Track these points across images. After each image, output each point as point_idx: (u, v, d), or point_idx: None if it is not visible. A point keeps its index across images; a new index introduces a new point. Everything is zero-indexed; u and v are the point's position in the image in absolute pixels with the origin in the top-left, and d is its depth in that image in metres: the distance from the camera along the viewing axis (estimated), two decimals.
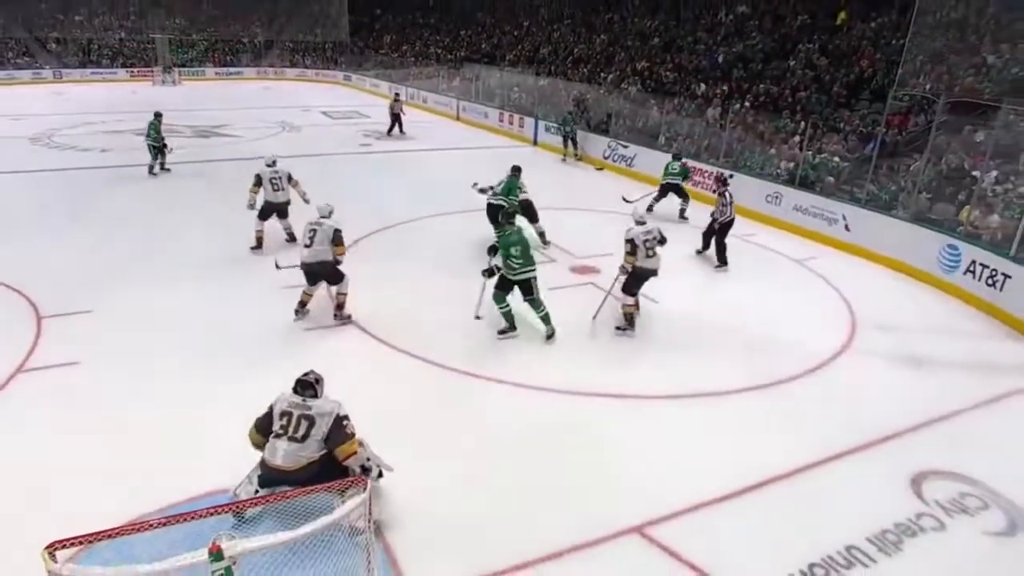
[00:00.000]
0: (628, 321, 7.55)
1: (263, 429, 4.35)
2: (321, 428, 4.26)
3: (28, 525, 4.12)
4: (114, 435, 5.39)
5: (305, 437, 4.24)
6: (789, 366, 6.83)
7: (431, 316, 7.78)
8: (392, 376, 6.50)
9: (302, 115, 24.99)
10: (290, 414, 4.29)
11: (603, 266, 9.41)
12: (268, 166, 9.62)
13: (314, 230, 7.22)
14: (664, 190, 12.33)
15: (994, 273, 8.38)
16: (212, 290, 8.39)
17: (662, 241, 7.57)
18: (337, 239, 7.22)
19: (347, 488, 3.25)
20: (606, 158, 16.57)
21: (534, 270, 7.23)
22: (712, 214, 9.85)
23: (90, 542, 3.09)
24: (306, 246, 7.24)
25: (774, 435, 5.70)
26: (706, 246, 10.13)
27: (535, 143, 19.68)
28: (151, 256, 9.39)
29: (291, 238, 9.86)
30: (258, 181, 9.48)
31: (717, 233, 9.73)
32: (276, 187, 9.52)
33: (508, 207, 9.22)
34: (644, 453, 5.40)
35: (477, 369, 6.54)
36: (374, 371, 6.59)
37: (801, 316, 8.19)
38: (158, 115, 14.30)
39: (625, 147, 16.08)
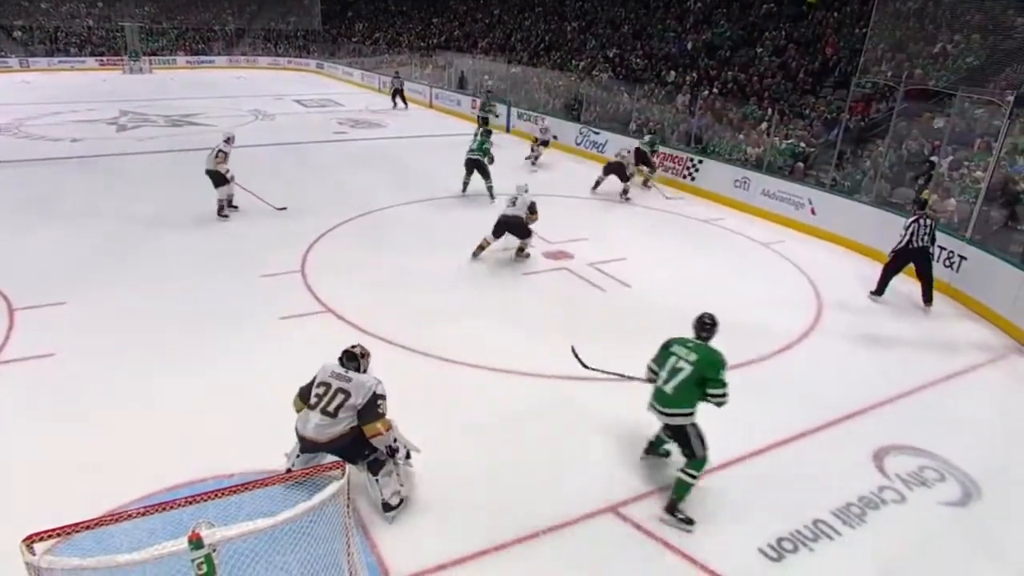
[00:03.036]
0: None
1: (305, 396, 4.49)
2: (356, 401, 4.37)
3: (4, 517, 4.16)
4: (90, 426, 5.41)
5: (337, 412, 4.36)
6: (756, 347, 7.02)
7: (407, 303, 7.86)
8: (372, 362, 6.58)
9: (275, 103, 24.77)
10: (328, 385, 4.41)
11: (576, 251, 9.55)
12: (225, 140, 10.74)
13: (515, 197, 9.15)
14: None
15: (951, 255, 8.66)
16: (185, 280, 8.38)
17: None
18: (533, 209, 9.11)
19: (328, 471, 3.34)
20: (578, 144, 16.68)
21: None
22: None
23: (68, 533, 3.14)
24: (509, 206, 9.12)
25: (741, 415, 5.83)
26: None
27: (508, 130, 19.72)
28: (124, 247, 9.33)
29: (220, 210, 10.71)
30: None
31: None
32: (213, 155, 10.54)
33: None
34: (617, 435, 5.55)
35: (451, 354, 6.64)
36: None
37: (768, 298, 8.42)
38: None
39: (596, 133, 16.22)
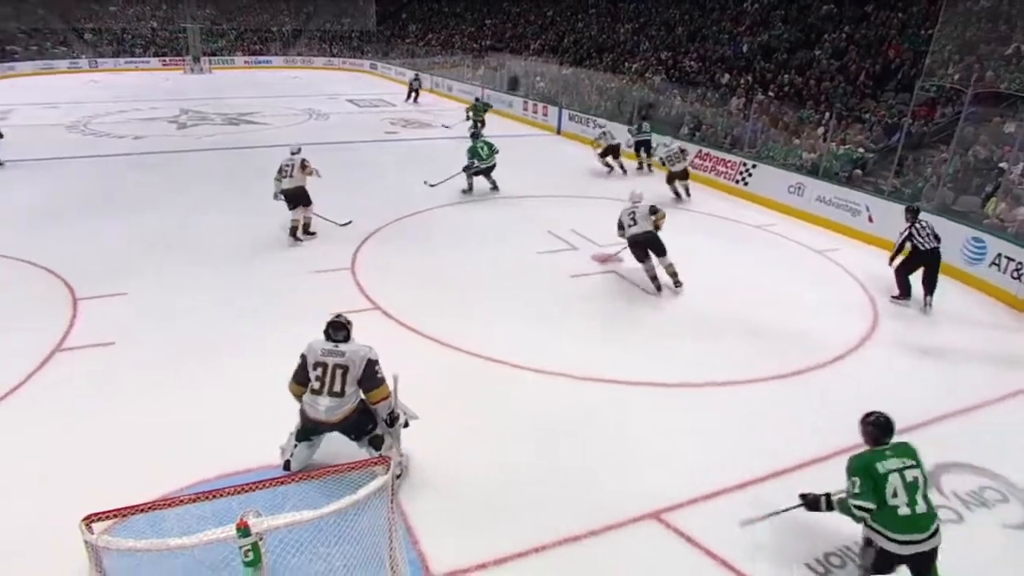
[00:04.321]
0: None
1: (301, 380, 4.55)
2: (355, 374, 4.44)
3: (66, 498, 4.32)
4: (146, 413, 5.59)
5: (344, 390, 4.43)
6: (809, 357, 6.85)
7: (456, 302, 7.91)
8: (416, 360, 6.61)
9: (329, 103, 25.22)
10: (324, 365, 4.45)
11: (626, 254, 9.45)
12: (292, 153, 9.79)
13: (633, 211, 8.39)
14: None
15: (1020, 266, 8.31)
16: (241, 274, 8.62)
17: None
18: (655, 212, 8.33)
19: (377, 467, 3.37)
20: (628, 147, 16.51)
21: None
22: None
23: (124, 515, 3.25)
24: (630, 225, 8.36)
25: (792, 425, 5.74)
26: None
27: (558, 132, 19.68)
28: (182, 240, 9.62)
29: (293, 232, 9.66)
30: (279, 170, 9.63)
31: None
32: (286, 174, 9.57)
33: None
34: (662, 440, 5.47)
35: (497, 354, 6.64)
36: (398, 354, 6.66)
37: (821, 307, 8.19)
38: None
39: (667, 145, 15.99)
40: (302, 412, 4.59)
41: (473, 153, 12.39)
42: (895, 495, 3.65)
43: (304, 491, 3.49)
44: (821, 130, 13.12)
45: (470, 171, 12.40)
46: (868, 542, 3.78)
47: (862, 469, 3.79)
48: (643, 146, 15.07)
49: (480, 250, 9.62)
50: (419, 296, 7.96)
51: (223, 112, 22.29)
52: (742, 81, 17.18)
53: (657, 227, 8.24)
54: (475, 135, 13.15)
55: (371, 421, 4.64)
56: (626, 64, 22.02)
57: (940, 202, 10.14)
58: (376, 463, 3.32)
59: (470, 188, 12.55)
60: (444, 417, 5.62)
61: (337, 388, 4.43)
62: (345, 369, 4.44)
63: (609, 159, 14.77)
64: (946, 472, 5.19)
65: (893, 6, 16.44)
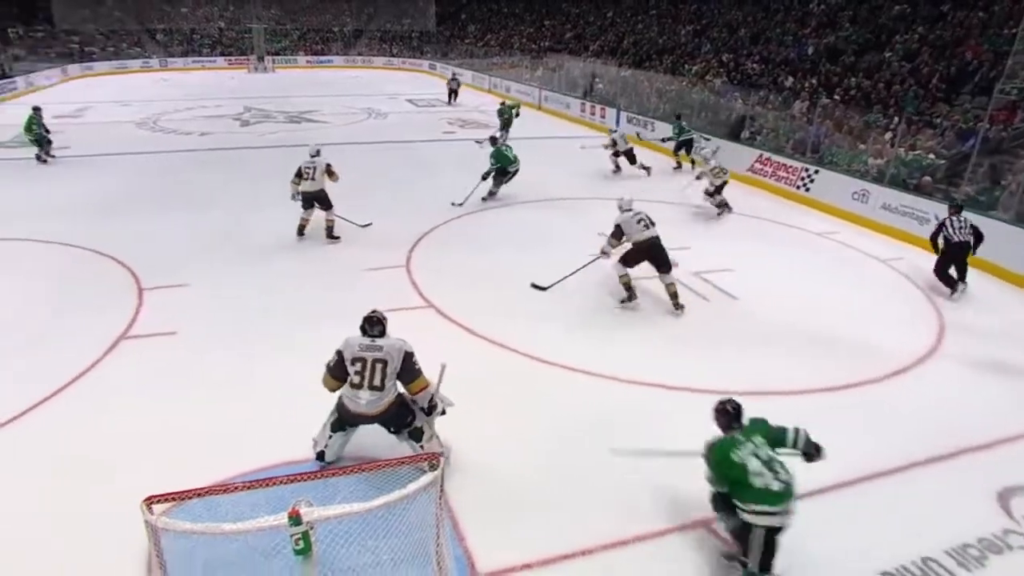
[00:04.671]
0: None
1: (338, 376, 4.63)
2: (394, 367, 4.53)
3: (127, 479, 4.48)
4: (204, 401, 5.77)
5: (384, 383, 4.52)
6: (870, 368, 6.63)
7: (507, 303, 7.93)
8: (467, 358, 6.63)
9: (388, 102, 25.60)
10: (363, 360, 4.53)
11: (680, 259, 9.29)
12: (312, 156, 9.69)
13: (642, 217, 7.86)
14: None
15: None
16: (298, 269, 8.81)
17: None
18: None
19: (426, 463, 3.39)
20: (662, 143, 16.26)
21: None
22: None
23: (182, 499, 3.35)
24: (642, 229, 7.80)
25: (851, 438, 5.53)
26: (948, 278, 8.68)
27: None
28: (240, 235, 9.88)
29: (329, 233, 9.74)
30: (298, 172, 9.49)
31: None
32: (307, 176, 9.43)
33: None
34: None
35: (549, 356, 6.62)
36: (449, 352, 6.70)
37: (884, 317, 7.91)
38: (36, 109, 14.94)
39: (707, 139, 15.77)
40: (341, 405, 4.69)
41: (499, 157, 11.75)
42: (759, 476, 3.94)
43: (354, 484, 3.54)
44: (889, 135, 12.67)
45: (490, 174, 11.81)
46: (734, 511, 4.08)
47: (717, 463, 4.16)
48: (685, 146, 15.09)
49: (531, 251, 9.61)
50: (471, 295, 7.99)
51: (285, 110, 22.87)
52: (806, 84, 16.75)
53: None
54: (494, 139, 12.51)
55: (410, 413, 4.73)
56: (686, 66, 21.73)
57: (1018, 211, 9.68)
58: (426, 459, 3.34)
59: (493, 194, 12.11)
60: (493, 416, 5.65)
61: (377, 382, 4.52)
62: (384, 363, 4.54)
63: (621, 160, 14.60)
64: (1015, 495, 4.95)
65: (972, 5, 15.75)
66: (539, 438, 5.42)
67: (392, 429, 4.78)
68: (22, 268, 8.67)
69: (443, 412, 4.85)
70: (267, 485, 3.97)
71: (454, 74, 27.69)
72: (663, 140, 15.42)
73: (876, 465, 5.19)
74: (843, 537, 4.51)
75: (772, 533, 3.99)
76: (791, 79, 17.45)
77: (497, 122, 18.00)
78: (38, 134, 14.59)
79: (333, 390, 4.73)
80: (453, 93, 25.73)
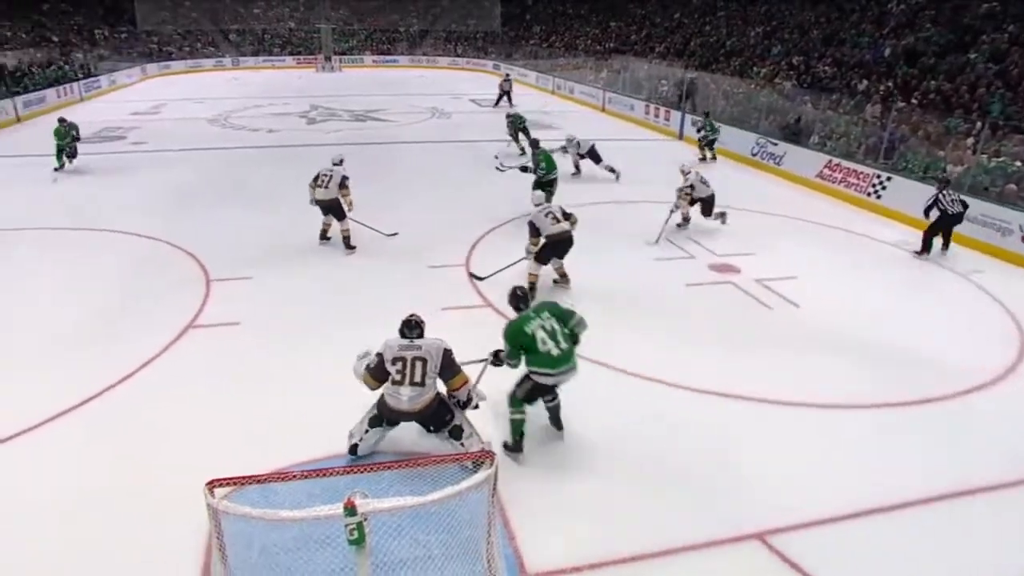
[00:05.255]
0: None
1: (379, 376, 4.73)
2: (433, 364, 4.65)
3: (190, 463, 4.62)
4: (264, 391, 5.93)
5: (424, 380, 4.63)
6: (940, 385, 6.33)
7: (564, 300, 7.83)
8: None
9: (452, 102, 25.82)
10: (403, 359, 4.65)
11: (743, 265, 9.12)
12: (333, 164, 9.47)
13: (552, 211, 7.97)
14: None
15: None
16: (358, 265, 8.98)
17: (566, 215, 7.97)
18: (568, 214, 8.03)
19: (477, 460, 3.40)
20: (754, 155, 15.95)
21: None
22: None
23: (242, 484, 3.44)
24: (553, 224, 7.93)
25: (916, 456, 5.32)
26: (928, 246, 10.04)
27: (680, 137, 19.23)
28: (305, 230, 10.07)
29: (346, 243, 9.41)
30: (315, 177, 9.25)
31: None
32: (322, 184, 9.16)
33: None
34: (772, 459, 5.23)
35: (607, 359, 6.56)
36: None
37: (959, 333, 7.54)
38: (61, 120, 14.16)
39: (775, 144, 15.40)
40: (382, 403, 4.78)
41: (546, 161, 10.89)
42: (543, 343, 4.90)
43: (408, 478, 3.56)
44: (971, 140, 12.11)
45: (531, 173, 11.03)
46: (526, 377, 5.07)
47: (511, 336, 5.01)
48: (711, 144, 16.03)
49: (595, 254, 9.50)
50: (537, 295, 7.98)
51: (351, 109, 23.32)
52: (881, 87, 16.17)
53: (572, 227, 7.98)
54: (536, 142, 11.69)
55: (449, 412, 4.82)
56: (754, 69, 21.25)
57: None
58: (481, 456, 3.34)
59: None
60: (546, 416, 5.61)
61: (418, 378, 4.65)
62: (424, 361, 4.67)
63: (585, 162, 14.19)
64: None
65: None
66: (593, 441, 5.37)
67: (431, 428, 4.86)
68: (101, 257, 9.08)
69: (476, 406, 5.01)
70: (323, 475, 4.06)
71: (507, 75, 26.38)
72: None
73: (942, 486, 4.96)
74: (905, 557, 4.32)
75: (552, 395, 5.24)
76: (865, 82, 16.87)
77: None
78: (68, 145, 13.97)
79: (374, 389, 4.82)
80: (506, 95, 24.19)
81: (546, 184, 10.69)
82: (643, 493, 4.82)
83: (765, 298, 8.19)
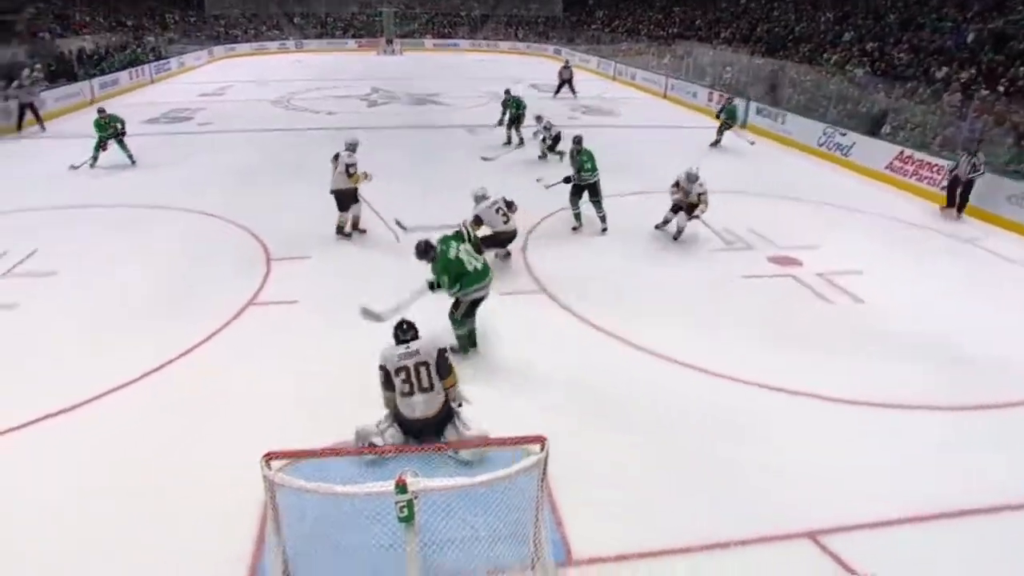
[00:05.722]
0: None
1: (391, 388, 4.73)
2: (434, 366, 4.69)
3: (248, 435, 4.74)
4: (322, 368, 6.02)
5: (432, 384, 4.67)
6: (1012, 390, 6.04)
7: (620, 294, 7.81)
8: (576, 347, 6.64)
9: (512, 87, 25.63)
10: (406, 368, 4.65)
11: (805, 258, 8.86)
12: (346, 148, 9.18)
13: (501, 206, 8.15)
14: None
15: None
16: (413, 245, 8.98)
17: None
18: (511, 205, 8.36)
19: (528, 444, 3.39)
20: (820, 145, 15.44)
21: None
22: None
23: (297, 457, 3.52)
24: (505, 222, 8.17)
25: (984, 463, 5.08)
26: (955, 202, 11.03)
27: (743, 125, 18.69)
28: (364, 211, 10.18)
29: (352, 226, 9.27)
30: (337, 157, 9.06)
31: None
32: (333, 169, 9.04)
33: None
34: (828, 458, 5.08)
35: (659, 349, 6.47)
36: (558, 339, 6.77)
37: None
38: (101, 111, 13.22)
39: (843, 134, 14.86)
40: (398, 417, 4.76)
41: (590, 161, 9.72)
42: (470, 263, 5.90)
43: (458, 460, 3.59)
44: None
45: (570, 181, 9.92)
46: (458, 301, 6.04)
47: (445, 269, 5.87)
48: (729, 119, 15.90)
49: (652, 242, 9.41)
50: (586, 284, 7.93)
51: (410, 92, 23.48)
52: (962, 75, 15.41)
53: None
54: (577, 139, 10.06)
55: (453, 415, 4.86)
56: (824, 55, 20.54)
57: None
58: (532, 441, 3.33)
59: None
60: (599, 407, 5.60)
61: (426, 384, 4.65)
62: (427, 364, 4.67)
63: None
64: None
65: None
66: (644, 432, 5.32)
67: (439, 430, 4.83)
68: (166, 235, 9.38)
69: (460, 405, 4.94)
70: (376, 453, 4.13)
71: (567, 62, 24.58)
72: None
73: (1012, 495, 4.75)
74: (969, 568, 4.14)
75: (477, 305, 6.08)
76: (944, 69, 16.11)
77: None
78: (110, 137, 12.94)
79: (392, 400, 4.79)
80: (567, 83, 22.69)
81: (588, 187, 9.63)
82: (693, 486, 4.75)
83: (827, 293, 7.94)
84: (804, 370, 6.22)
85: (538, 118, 14.11)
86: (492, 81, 26.51)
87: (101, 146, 12.80)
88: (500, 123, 15.79)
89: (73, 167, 12.63)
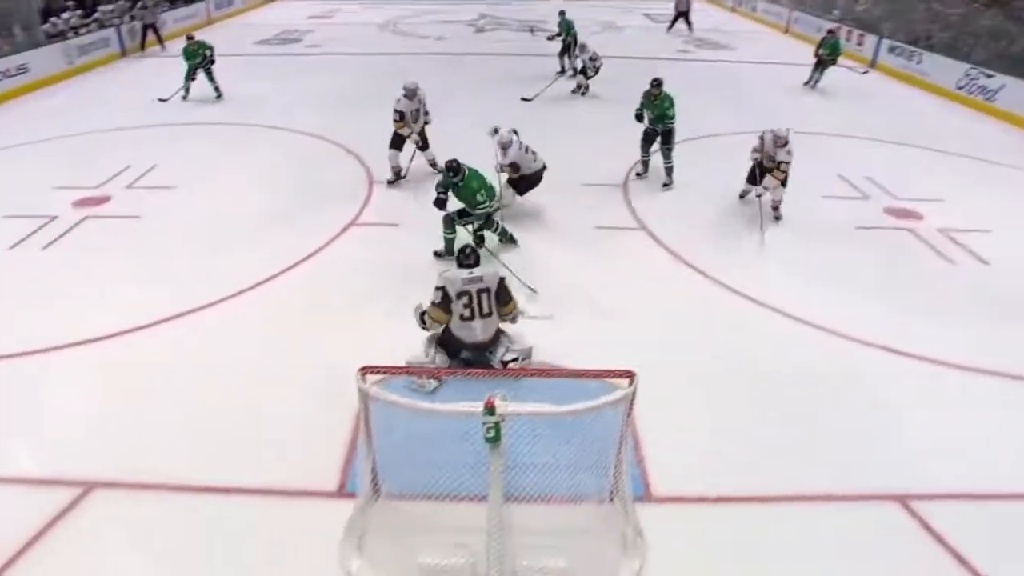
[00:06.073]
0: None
1: (447, 309, 4.84)
2: (495, 293, 4.90)
3: (342, 349, 5.01)
4: (417, 290, 6.07)
5: (492, 310, 4.90)
6: None
7: (724, 235, 7.61)
8: (675, 287, 6.55)
9: (624, 16, 24.69)
10: (468, 293, 4.79)
11: (927, 212, 8.26)
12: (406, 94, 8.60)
13: (526, 145, 7.64)
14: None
15: None
16: None
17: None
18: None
19: (617, 378, 3.40)
20: (960, 88, 14.10)
21: None
22: None
23: (391, 374, 3.67)
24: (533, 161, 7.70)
25: None
26: None
27: (872, 65, 17.30)
28: (464, 139, 10.11)
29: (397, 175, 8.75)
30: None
31: None
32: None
33: None
34: (932, 423, 4.85)
35: (759, 296, 6.29)
36: (658, 279, 6.70)
37: None
38: (190, 38, 12.52)
39: (989, 76, 13.44)
40: (449, 338, 4.93)
41: (671, 107, 8.67)
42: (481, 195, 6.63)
43: (546, 387, 3.63)
44: None
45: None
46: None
47: (468, 192, 6.55)
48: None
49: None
50: (690, 223, 7.74)
51: (519, 19, 22.98)
52: None
53: None
54: (658, 82, 8.78)
55: (506, 339, 5.13)
56: None
57: None
58: (621, 375, 3.34)
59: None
60: (693, 347, 5.55)
61: (486, 309, 4.84)
62: (488, 291, 4.84)
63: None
64: None
65: None
66: (736, 377, 5.22)
67: (489, 352, 5.07)
68: (274, 153, 9.77)
69: (513, 320, 5.16)
70: (466, 375, 4.24)
71: None
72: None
73: None
74: None
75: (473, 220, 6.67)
76: None
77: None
78: (199, 66, 12.41)
79: (443, 324, 4.91)
80: (682, 16, 20.65)
81: (664, 134, 8.72)
82: (783, 436, 4.65)
83: (949, 251, 7.41)
84: (914, 330, 5.87)
85: (582, 47, 13.07)
86: (605, 9, 25.55)
87: (191, 75, 12.40)
88: (551, 38, 15.05)
89: (162, 100, 12.33)
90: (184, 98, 12.38)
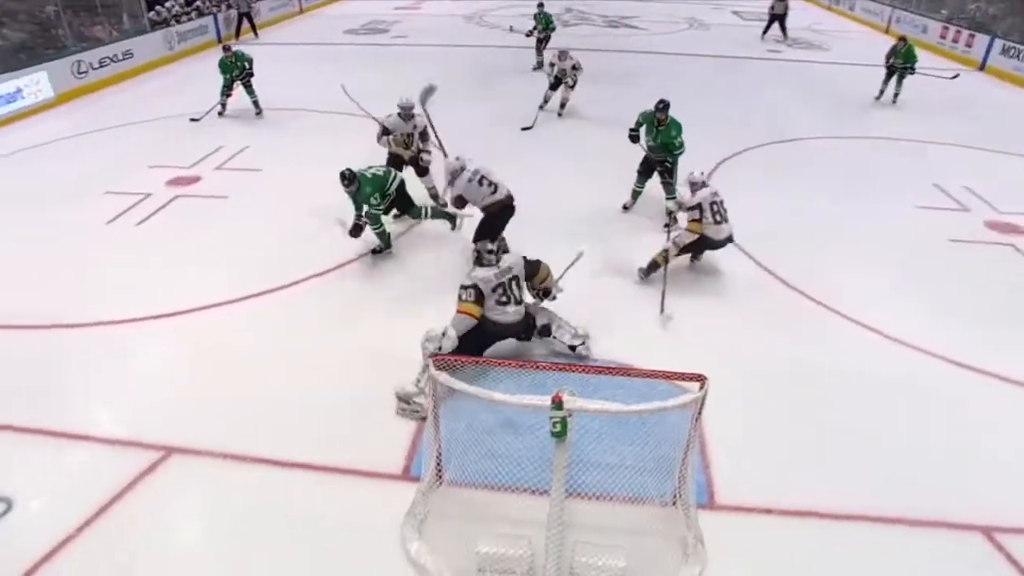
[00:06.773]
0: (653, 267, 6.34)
1: (480, 303, 4.96)
2: (522, 276, 5.09)
3: (412, 338, 5.02)
4: None
5: (522, 295, 5.09)
6: None
7: (802, 240, 7.32)
8: (751, 293, 6.39)
9: (712, 13, 24.12)
10: (502, 285, 4.95)
11: None
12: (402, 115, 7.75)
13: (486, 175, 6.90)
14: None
15: None
16: (574, 170, 9.08)
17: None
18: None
19: (688, 381, 3.34)
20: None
21: None
22: None
23: (461, 363, 3.71)
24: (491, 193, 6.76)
25: None
26: None
27: (982, 67, 16.28)
28: (542, 129, 10.12)
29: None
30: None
31: None
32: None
33: None
34: (1010, 451, 4.57)
35: (843, 308, 6.04)
36: (735, 284, 6.56)
37: None
38: (227, 49, 11.42)
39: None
40: (487, 321, 4.96)
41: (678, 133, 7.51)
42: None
43: (615, 386, 3.59)
44: None
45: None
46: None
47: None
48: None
49: (849, 191, 8.61)
50: (770, 228, 7.44)
51: (605, 14, 22.77)
52: None
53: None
54: (663, 107, 7.41)
55: (533, 319, 5.23)
56: None
57: None
58: (693, 378, 3.27)
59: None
60: (769, 357, 5.39)
61: (518, 295, 5.02)
62: (517, 278, 5.03)
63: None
64: None
65: None
66: (815, 389, 5.05)
67: (523, 336, 5.23)
68: (357, 142, 9.90)
69: (554, 298, 5.31)
70: (536, 368, 4.25)
71: None
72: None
73: None
74: None
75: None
76: None
77: None
78: (236, 79, 11.36)
79: (473, 314, 4.92)
80: (777, 20, 18.78)
81: (667, 168, 7.73)
82: (863, 454, 4.46)
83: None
84: (1011, 353, 5.53)
85: (563, 54, 11.12)
86: (691, 5, 25.05)
87: (227, 90, 11.28)
88: (529, 35, 14.49)
89: (194, 120, 11.15)
90: (220, 114, 11.36)
